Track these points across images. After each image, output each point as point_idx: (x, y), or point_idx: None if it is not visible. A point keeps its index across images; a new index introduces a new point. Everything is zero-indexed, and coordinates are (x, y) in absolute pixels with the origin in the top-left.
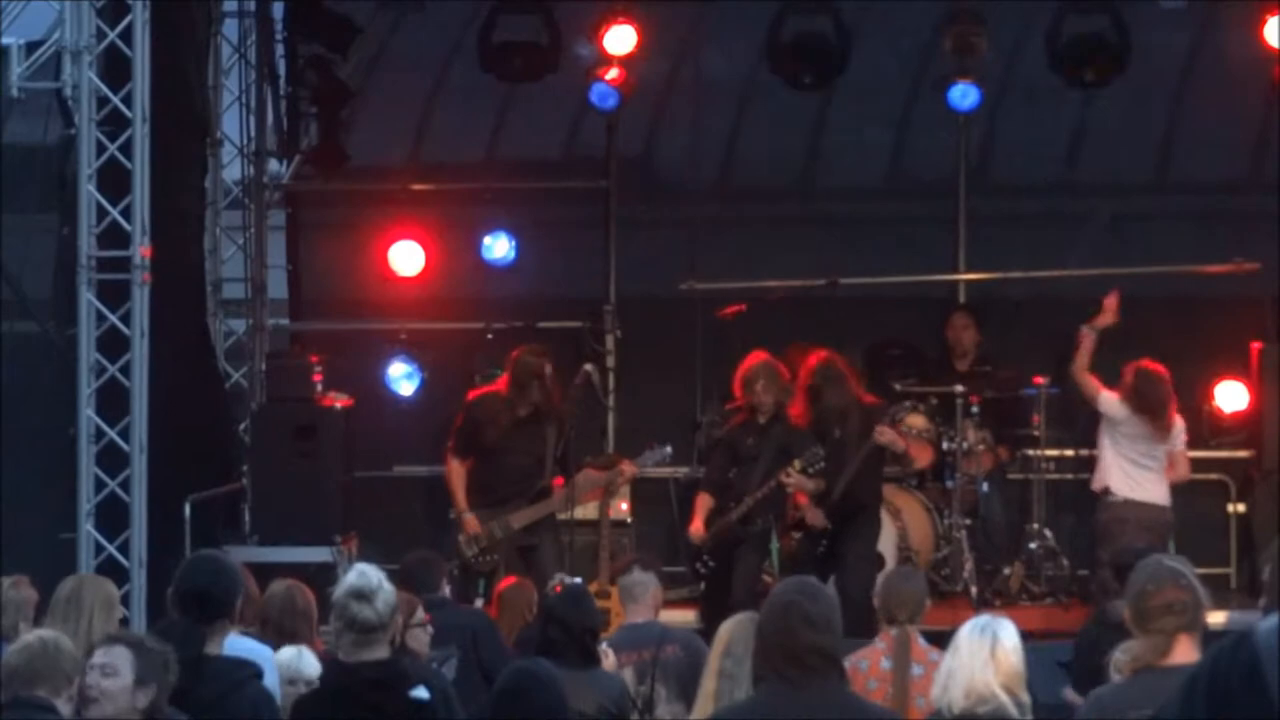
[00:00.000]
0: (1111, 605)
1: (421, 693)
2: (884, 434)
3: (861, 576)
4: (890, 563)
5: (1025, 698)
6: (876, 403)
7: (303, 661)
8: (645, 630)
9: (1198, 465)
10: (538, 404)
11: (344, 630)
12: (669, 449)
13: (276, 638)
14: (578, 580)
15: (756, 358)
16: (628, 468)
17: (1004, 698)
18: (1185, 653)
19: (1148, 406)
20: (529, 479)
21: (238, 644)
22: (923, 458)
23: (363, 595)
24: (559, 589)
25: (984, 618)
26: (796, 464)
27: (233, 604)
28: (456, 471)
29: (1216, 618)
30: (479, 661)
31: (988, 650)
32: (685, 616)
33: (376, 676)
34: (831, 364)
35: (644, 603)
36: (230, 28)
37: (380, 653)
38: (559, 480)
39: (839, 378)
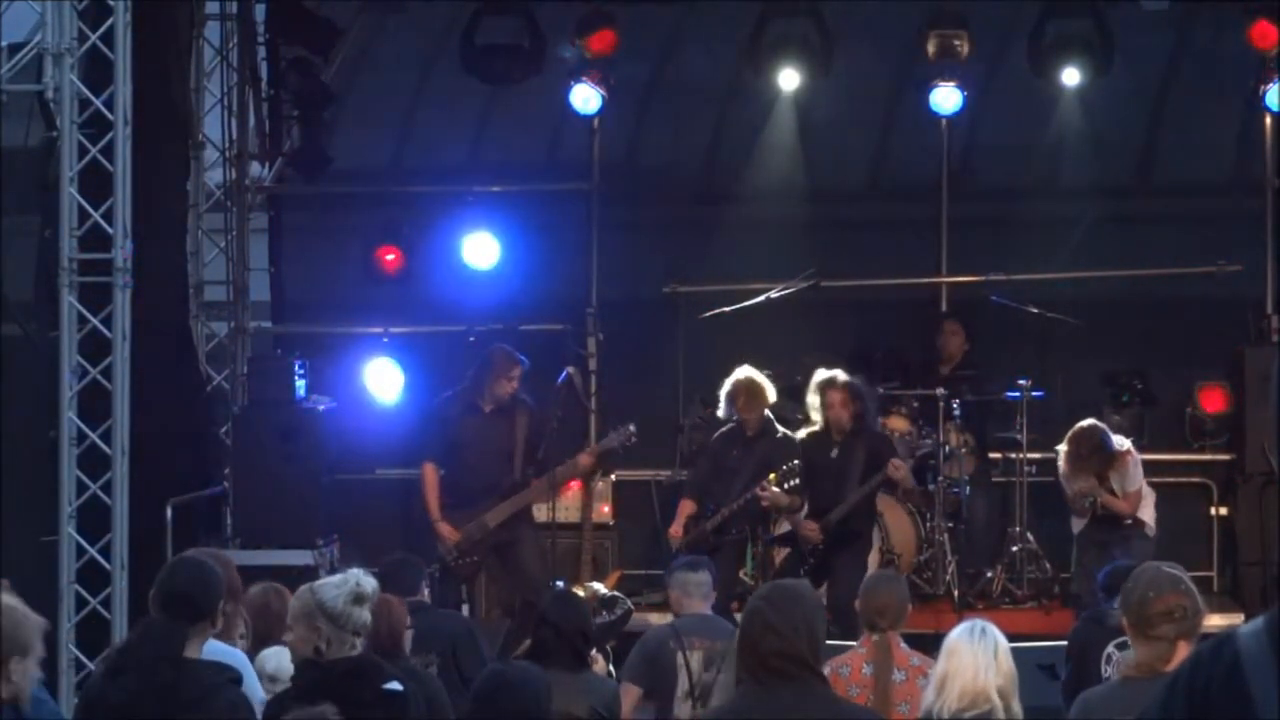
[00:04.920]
0: (1109, 613)
1: (395, 685)
2: (899, 469)
3: (851, 585)
4: (873, 566)
5: (1018, 707)
6: (884, 433)
7: (283, 660)
8: (717, 622)
9: (1180, 468)
10: (500, 400)
11: (344, 635)
12: (632, 426)
13: (252, 641)
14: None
15: (740, 373)
16: (585, 459)
17: (997, 701)
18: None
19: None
20: (498, 474)
21: (210, 647)
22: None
23: (364, 599)
24: (592, 600)
25: (977, 621)
26: (773, 476)
27: (215, 607)
28: (431, 479)
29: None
30: (459, 668)
31: (990, 653)
32: (662, 620)
33: (351, 668)
34: (839, 384)
35: (698, 598)
36: (212, 30)
37: (355, 650)
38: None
39: (848, 400)
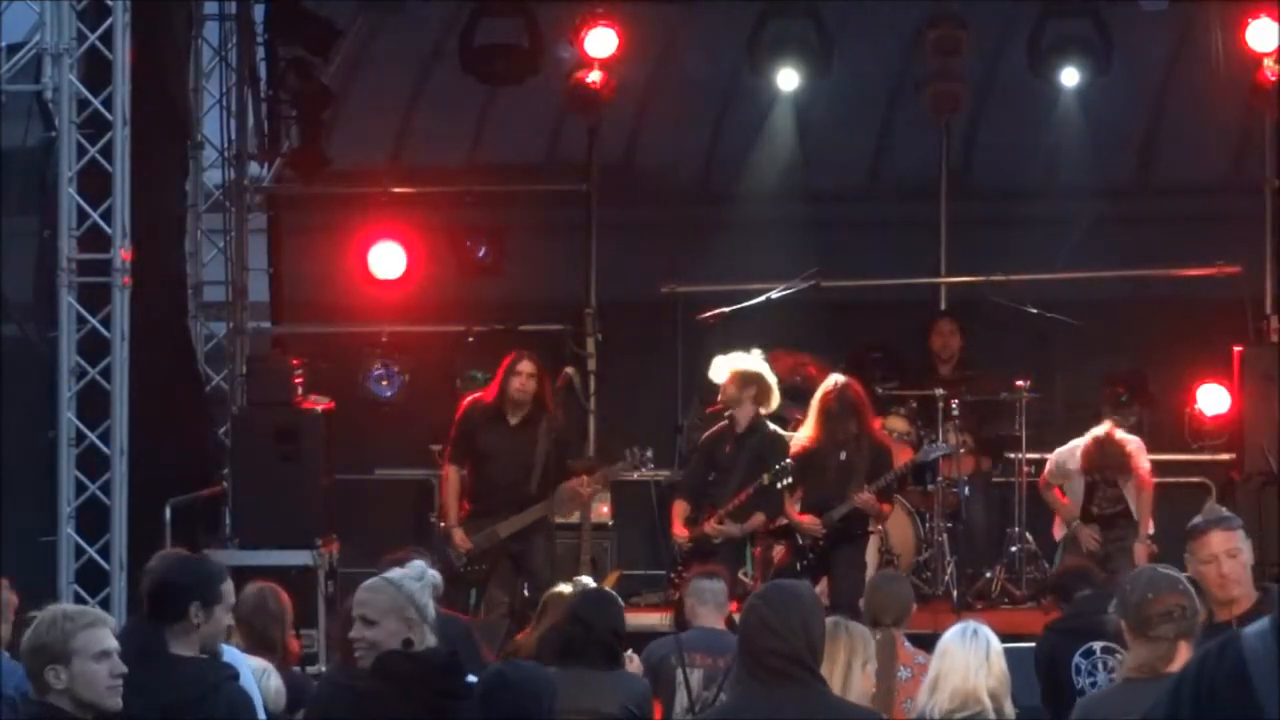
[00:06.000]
0: (1107, 618)
1: (472, 677)
2: (868, 503)
3: (852, 583)
4: (872, 566)
5: (1010, 708)
6: (887, 440)
7: (267, 679)
8: (722, 638)
9: (1179, 468)
10: (528, 412)
11: (424, 625)
12: (650, 452)
13: (247, 640)
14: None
15: (740, 365)
16: (584, 487)
17: (988, 703)
18: (1184, 660)
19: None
20: (516, 487)
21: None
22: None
23: (438, 590)
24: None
25: (970, 623)
26: (765, 476)
27: (185, 606)
28: (451, 481)
29: None
30: None
31: (982, 654)
32: (661, 620)
33: (448, 663)
34: (849, 389)
35: (712, 606)
36: (211, 30)
37: (431, 641)
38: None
39: (855, 405)
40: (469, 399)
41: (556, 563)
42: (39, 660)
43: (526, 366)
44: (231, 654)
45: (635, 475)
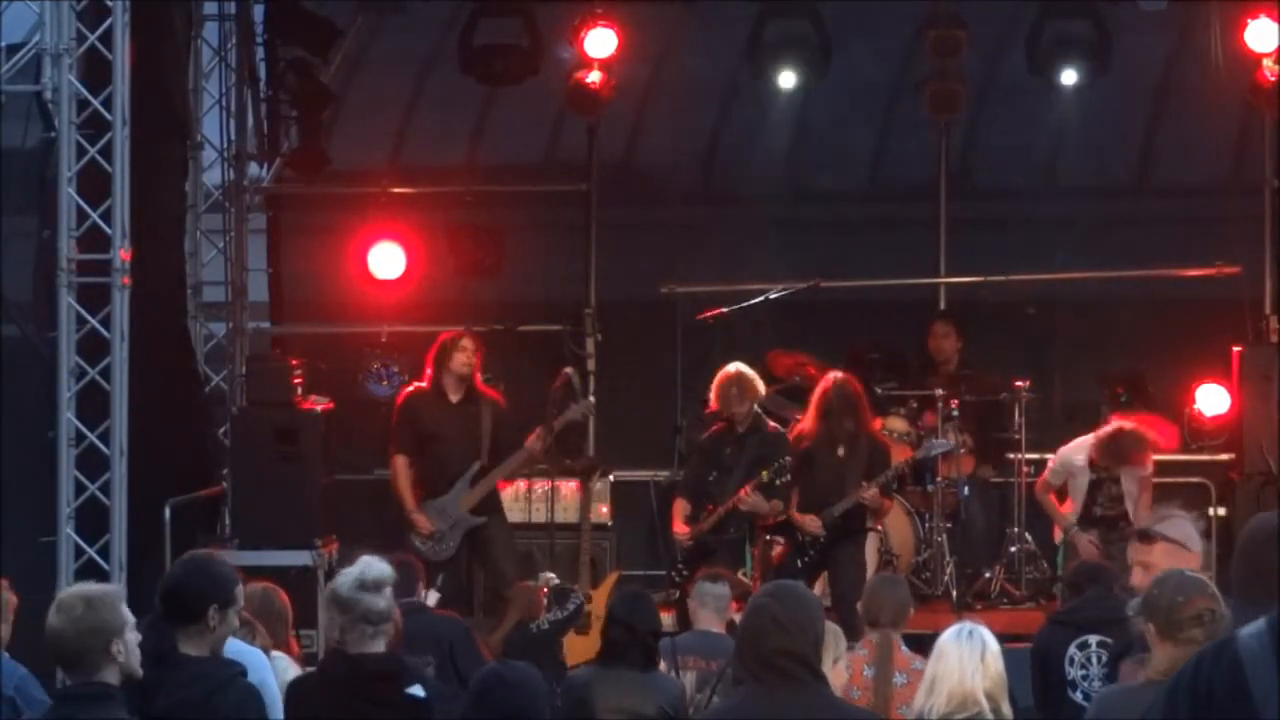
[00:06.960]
0: (1130, 621)
1: (418, 690)
2: (874, 498)
3: (851, 580)
4: (871, 566)
5: (1007, 709)
6: (884, 437)
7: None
8: (717, 640)
9: (1179, 469)
10: (464, 380)
11: (355, 622)
12: (591, 399)
13: (250, 639)
14: (554, 578)
15: (731, 367)
16: (537, 441)
17: (984, 704)
18: None
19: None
20: (466, 462)
21: (232, 647)
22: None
23: (376, 586)
24: (544, 591)
25: (966, 624)
26: (764, 474)
27: (203, 608)
28: (402, 471)
29: None
30: (456, 670)
31: (978, 655)
32: (663, 620)
33: (379, 669)
34: (848, 385)
35: (712, 610)
36: (211, 30)
37: (380, 646)
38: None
39: (853, 401)
40: (405, 390)
41: (517, 552)
42: (102, 637)
43: (469, 344)
44: (279, 660)
45: (580, 416)
